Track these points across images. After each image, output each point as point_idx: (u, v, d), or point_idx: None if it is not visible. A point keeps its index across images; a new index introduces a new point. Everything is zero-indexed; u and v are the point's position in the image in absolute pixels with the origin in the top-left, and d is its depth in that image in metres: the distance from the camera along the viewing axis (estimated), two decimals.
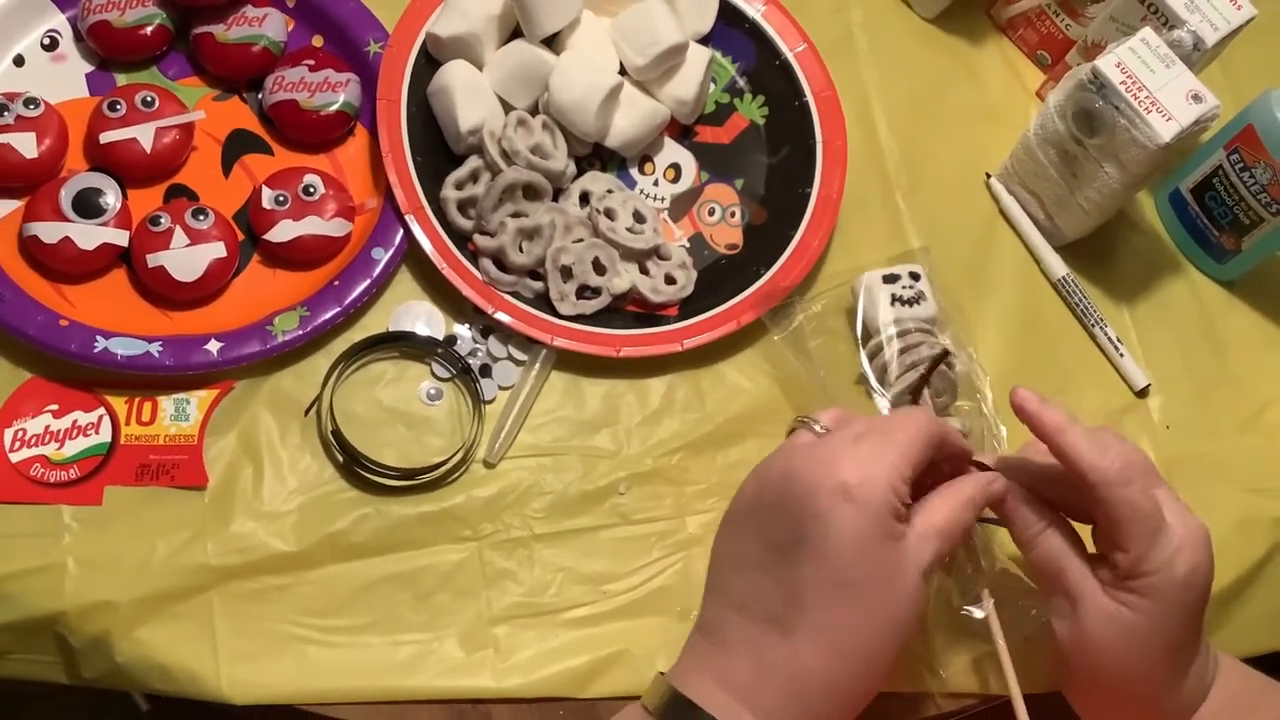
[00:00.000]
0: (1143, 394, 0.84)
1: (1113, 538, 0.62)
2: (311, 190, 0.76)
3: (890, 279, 0.78)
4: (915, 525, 0.59)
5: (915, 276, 0.79)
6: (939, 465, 0.63)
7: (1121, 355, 0.84)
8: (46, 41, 0.79)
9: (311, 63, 0.79)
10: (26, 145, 0.73)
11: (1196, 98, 0.76)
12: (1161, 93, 0.76)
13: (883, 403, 0.76)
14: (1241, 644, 0.80)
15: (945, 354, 0.75)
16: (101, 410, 0.71)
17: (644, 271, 0.80)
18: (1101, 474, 0.61)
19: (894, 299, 0.77)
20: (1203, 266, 0.89)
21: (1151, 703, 0.65)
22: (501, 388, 0.76)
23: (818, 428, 0.63)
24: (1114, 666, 0.63)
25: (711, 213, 0.84)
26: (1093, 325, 0.85)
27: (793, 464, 0.60)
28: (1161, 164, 0.79)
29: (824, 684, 0.57)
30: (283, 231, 0.75)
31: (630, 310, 0.79)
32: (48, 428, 0.70)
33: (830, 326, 0.80)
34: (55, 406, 0.71)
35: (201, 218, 0.73)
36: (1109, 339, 0.84)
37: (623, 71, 0.82)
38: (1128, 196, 0.83)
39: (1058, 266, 0.86)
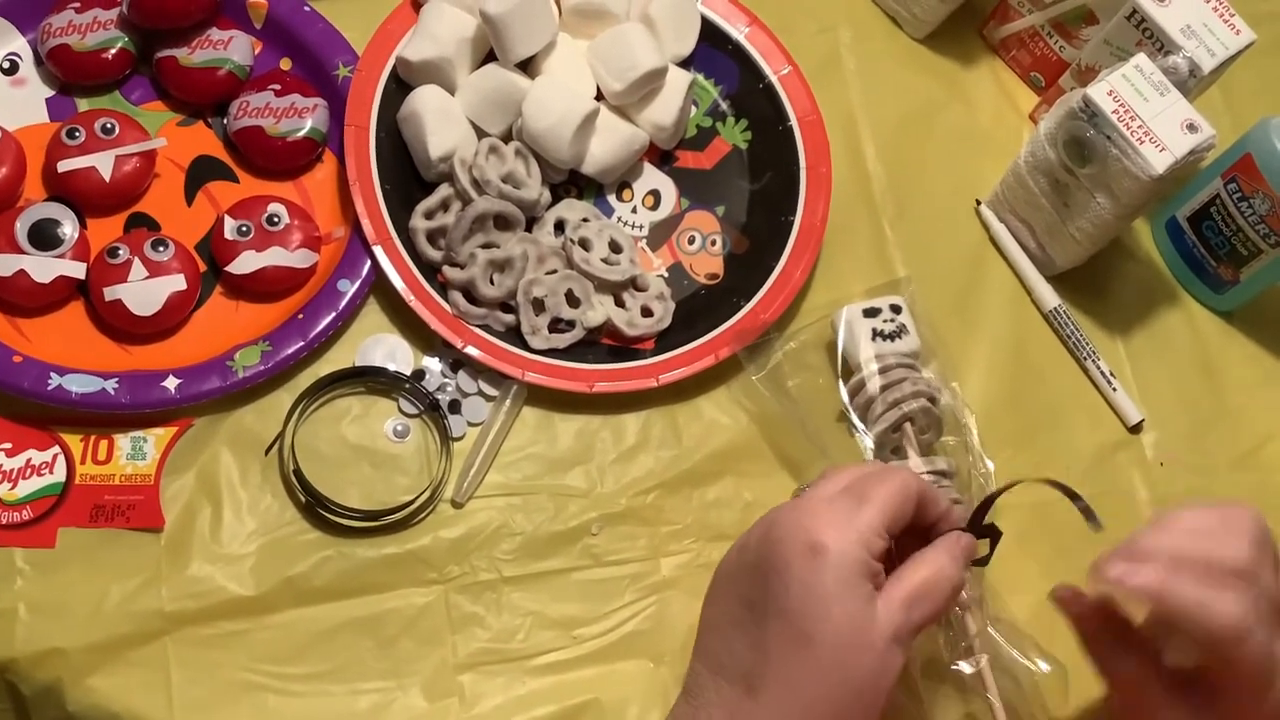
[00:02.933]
0: (1136, 429, 0.82)
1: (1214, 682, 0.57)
2: (276, 220, 0.74)
3: (871, 313, 0.76)
4: (888, 590, 0.57)
5: (896, 309, 0.76)
6: (930, 527, 0.61)
7: (1114, 389, 0.82)
8: (6, 65, 0.77)
9: (278, 87, 0.77)
10: None
11: (1191, 127, 0.74)
12: (1155, 122, 0.73)
13: (866, 440, 0.74)
14: None
15: (931, 399, 0.73)
16: (56, 449, 0.69)
17: (620, 304, 0.77)
18: (1215, 635, 0.54)
19: (875, 334, 0.75)
20: (1200, 297, 0.87)
21: None
22: (471, 424, 0.74)
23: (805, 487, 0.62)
24: None
25: (691, 241, 0.82)
26: (1085, 358, 0.82)
27: (768, 522, 0.59)
28: (1155, 194, 0.76)
29: None
30: (245, 263, 0.73)
31: (605, 344, 0.77)
32: (0, 467, 0.68)
33: (810, 362, 0.77)
34: (8, 445, 0.69)
35: (161, 249, 0.71)
36: (1101, 372, 0.82)
37: (600, 96, 0.80)
38: (1121, 226, 0.80)
39: (1050, 297, 0.83)
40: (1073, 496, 0.61)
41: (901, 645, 0.56)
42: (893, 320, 0.75)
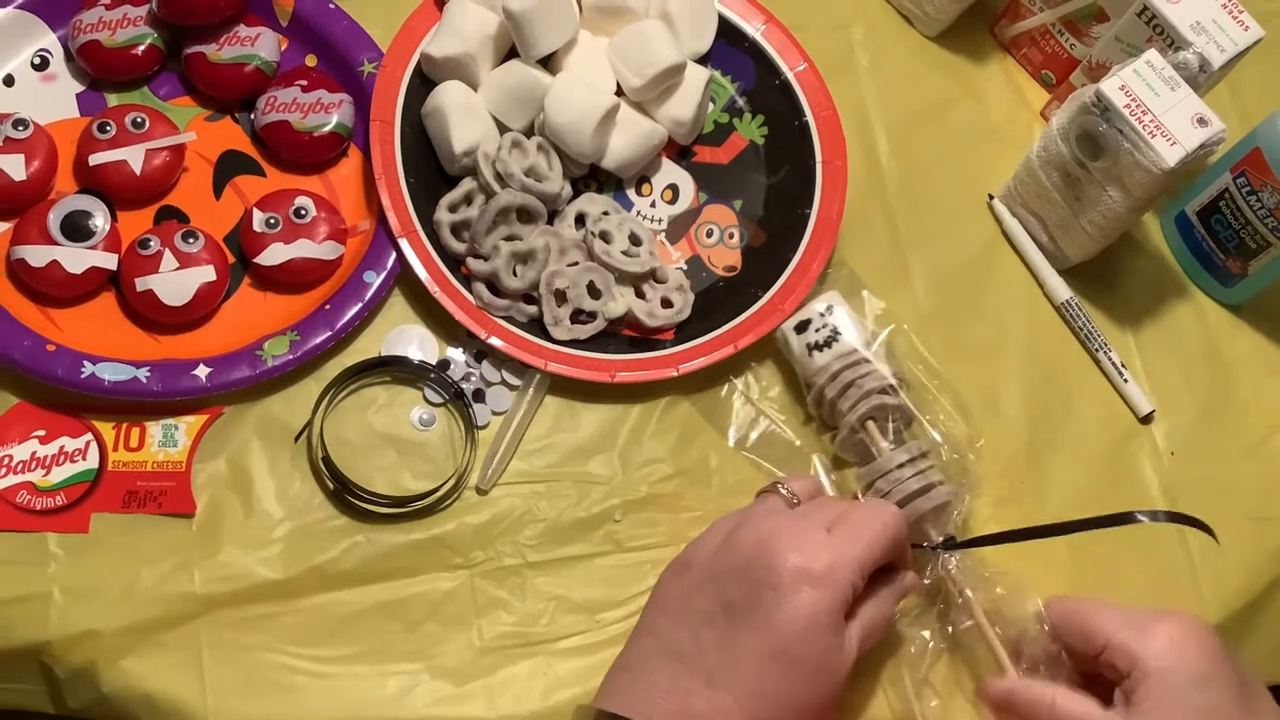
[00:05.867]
0: (1147, 420, 0.83)
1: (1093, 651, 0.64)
2: (303, 212, 0.75)
3: (801, 327, 0.76)
4: (852, 626, 0.62)
5: (828, 311, 0.76)
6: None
7: (1126, 381, 0.83)
8: (37, 61, 0.78)
9: (304, 83, 0.78)
10: (15, 167, 0.73)
11: (1202, 121, 0.75)
12: (1166, 116, 0.75)
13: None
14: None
15: (887, 389, 0.74)
16: (89, 436, 0.70)
17: (640, 295, 0.79)
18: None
19: (810, 347, 0.76)
20: (1209, 290, 0.88)
21: None
22: (495, 413, 0.75)
23: (786, 492, 0.67)
24: None
25: (709, 234, 0.83)
26: (1096, 350, 0.84)
27: (764, 533, 0.62)
28: (1166, 188, 0.77)
29: None
30: (274, 254, 0.74)
31: (625, 334, 0.78)
32: (34, 454, 0.69)
33: (784, 376, 0.80)
34: (42, 432, 0.70)
35: (191, 240, 0.73)
36: (1113, 364, 0.83)
37: (620, 92, 0.81)
38: (1132, 220, 0.81)
39: (1061, 290, 0.85)
40: (1190, 523, 0.66)
41: (850, 674, 0.62)
42: (823, 326, 0.76)
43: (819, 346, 0.75)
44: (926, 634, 0.71)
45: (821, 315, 0.76)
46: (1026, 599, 0.69)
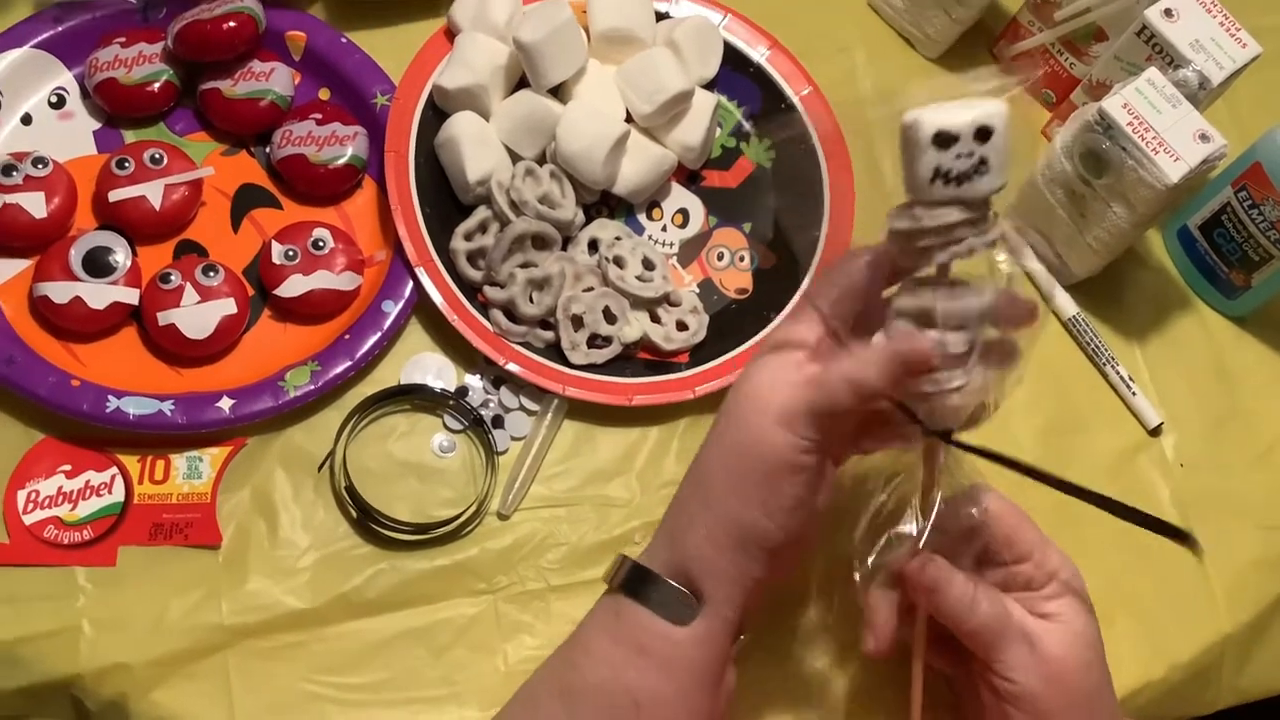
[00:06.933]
0: (1155, 432, 0.84)
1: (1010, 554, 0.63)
2: (321, 244, 0.76)
3: (944, 140, 0.53)
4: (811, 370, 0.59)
5: (984, 134, 0.53)
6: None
7: (1134, 394, 0.84)
8: (54, 99, 0.79)
9: (319, 116, 0.79)
10: (35, 205, 0.73)
11: (1204, 137, 0.76)
12: (1169, 133, 0.76)
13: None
14: (1262, 683, 0.80)
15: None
16: (114, 470, 0.71)
17: (655, 319, 0.80)
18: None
19: (939, 175, 0.54)
20: (1213, 303, 0.89)
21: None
22: (514, 438, 0.76)
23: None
24: (1089, 685, 0.62)
25: (720, 257, 0.84)
26: (1104, 364, 0.85)
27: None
28: (1169, 203, 0.79)
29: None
30: (293, 286, 0.75)
31: (642, 358, 0.79)
32: (60, 489, 0.70)
33: None
34: (68, 467, 0.71)
35: (212, 274, 0.73)
36: (1121, 377, 0.84)
37: (629, 119, 0.82)
38: (1136, 235, 0.83)
39: (1068, 306, 0.86)
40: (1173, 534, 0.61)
41: (787, 426, 0.57)
42: (970, 154, 0.54)
43: (952, 179, 0.54)
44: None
45: (979, 136, 0.54)
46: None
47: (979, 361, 0.58)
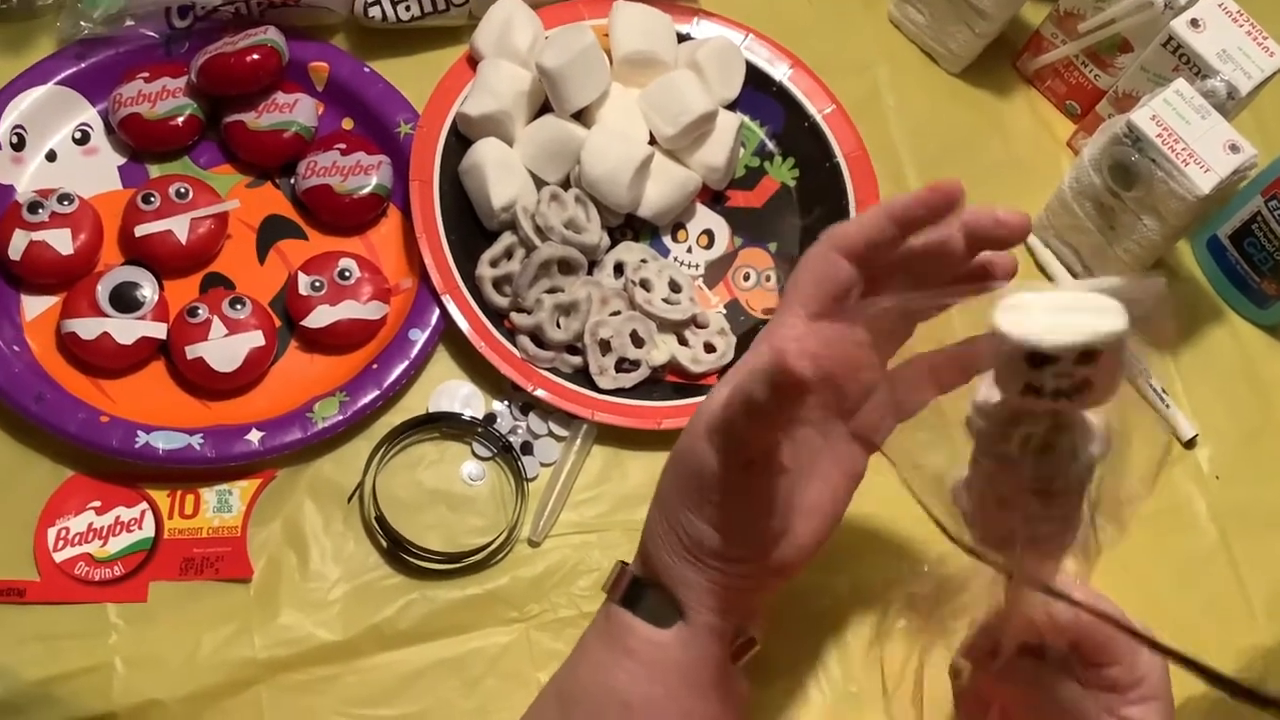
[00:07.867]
0: (1190, 444, 0.83)
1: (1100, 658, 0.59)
2: (347, 274, 0.76)
3: (1039, 360, 0.42)
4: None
5: (1089, 356, 0.42)
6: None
7: (1167, 406, 0.83)
8: (78, 135, 0.79)
9: (343, 146, 0.79)
10: (62, 242, 0.74)
11: (1234, 148, 0.76)
12: (1198, 144, 0.75)
13: None
14: None
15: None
16: (144, 505, 0.71)
17: (682, 341, 0.79)
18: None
19: (1030, 389, 0.43)
20: (1244, 312, 0.88)
21: None
22: (543, 464, 0.76)
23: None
24: None
25: (746, 278, 0.83)
26: (1137, 376, 0.84)
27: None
28: (1200, 214, 0.78)
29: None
30: (320, 317, 0.75)
31: (670, 381, 0.79)
32: (91, 525, 0.70)
33: None
34: (98, 503, 0.70)
35: (239, 307, 0.73)
36: (1154, 390, 0.83)
37: (653, 141, 0.82)
38: (1167, 247, 0.82)
39: None
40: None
41: (707, 438, 0.56)
42: (1071, 374, 0.42)
43: (1046, 393, 0.43)
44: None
45: (1083, 358, 0.42)
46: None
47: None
